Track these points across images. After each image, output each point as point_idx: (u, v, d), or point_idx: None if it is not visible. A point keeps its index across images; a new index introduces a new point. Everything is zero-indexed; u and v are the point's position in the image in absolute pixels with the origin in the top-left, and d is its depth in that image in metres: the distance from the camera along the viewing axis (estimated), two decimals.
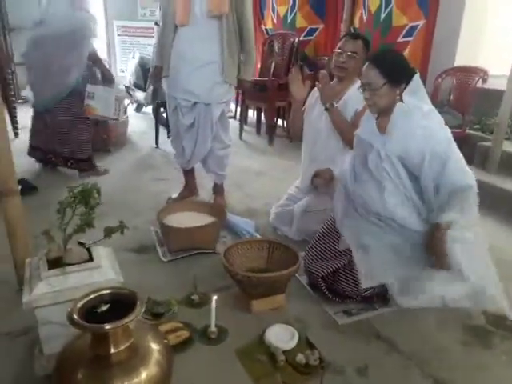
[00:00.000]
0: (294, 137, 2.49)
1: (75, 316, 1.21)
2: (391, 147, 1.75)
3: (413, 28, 3.71)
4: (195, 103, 2.64)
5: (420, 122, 1.70)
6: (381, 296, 1.91)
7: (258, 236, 2.50)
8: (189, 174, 3.07)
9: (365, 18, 4.13)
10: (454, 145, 1.70)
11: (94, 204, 1.49)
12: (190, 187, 3.11)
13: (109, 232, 1.49)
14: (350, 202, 1.92)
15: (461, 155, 1.70)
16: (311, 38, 4.94)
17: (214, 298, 1.67)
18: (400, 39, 3.80)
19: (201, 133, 2.72)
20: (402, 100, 1.76)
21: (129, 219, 1.68)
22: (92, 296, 1.29)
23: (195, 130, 2.72)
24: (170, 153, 3.40)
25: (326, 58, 4.62)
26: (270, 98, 4.53)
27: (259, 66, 5.35)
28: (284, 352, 1.60)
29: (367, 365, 1.59)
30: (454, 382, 1.53)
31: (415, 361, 1.62)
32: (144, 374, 1.21)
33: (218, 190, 3.04)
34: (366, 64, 1.79)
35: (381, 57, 1.82)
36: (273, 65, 4.83)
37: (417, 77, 1.75)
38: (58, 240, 1.53)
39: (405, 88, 1.75)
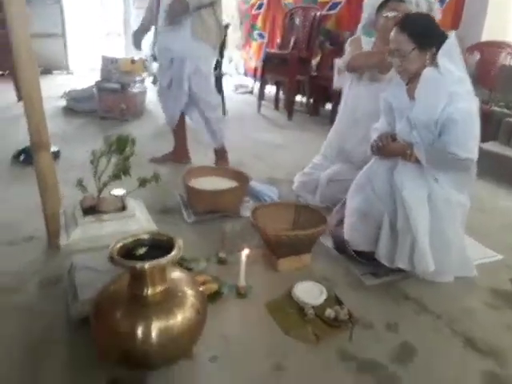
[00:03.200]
0: (350, 68, 2.44)
1: (115, 255, 1.22)
2: (419, 114, 1.73)
3: (442, 1, 3.63)
4: (172, 60, 2.79)
5: (448, 88, 1.67)
6: None
7: (276, 198, 2.51)
8: (177, 135, 3.13)
9: None
10: (476, 118, 1.68)
11: (129, 153, 1.49)
12: (178, 150, 3.16)
13: (143, 182, 1.50)
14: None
15: (477, 131, 1.70)
16: (334, 12, 4.85)
17: (245, 252, 1.68)
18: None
19: (175, 88, 2.86)
20: (432, 64, 1.73)
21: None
22: (131, 239, 1.31)
23: (172, 87, 2.87)
24: None
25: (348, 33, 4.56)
26: (290, 72, 4.48)
27: (279, 40, 5.29)
28: (313, 307, 1.61)
29: (397, 322, 1.60)
30: (484, 340, 1.53)
31: (445, 320, 1.63)
32: (179, 317, 1.23)
33: (218, 154, 3.10)
34: (394, 29, 1.76)
35: (409, 21, 1.78)
36: (293, 38, 4.77)
37: (452, 39, 1.71)
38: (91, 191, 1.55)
39: (436, 53, 1.72)
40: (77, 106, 4.36)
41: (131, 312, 1.23)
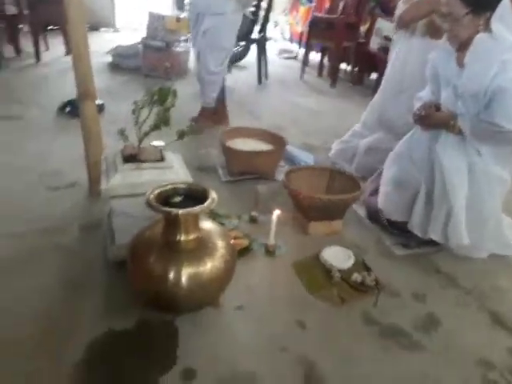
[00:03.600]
0: (402, 22, 2.36)
1: (152, 200, 1.27)
2: (467, 83, 1.65)
3: None
4: (198, 15, 2.78)
5: (501, 56, 1.58)
6: None
7: (311, 161, 2.50)
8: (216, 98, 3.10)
9: None
10: None
11: (170, 104, 1.51)
12: (217, 112, 3.13)
13: (181, 134, 1.52)
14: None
15: None
16: None
17: (276, 212, 1.70)
18: None
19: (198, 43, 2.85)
20: (486, 30, 1.63)
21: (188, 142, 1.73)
22: (168, 187, 1.35)
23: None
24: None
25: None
26: (337, 37, 4.34)
27: (328, 4, 5.11)
28: (340, 271, 1.62)
29: (425, 293, 1.59)
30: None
31: (474, 296, 1.60)
32: (209, 265, 1.27)
33: (201, 110, 3.08)
34: None
35: None
36: (342, 3, 4.59)
37: (505, 1, 1.60)
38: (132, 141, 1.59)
39: (490, 17, 1.61)
40: (122, 63, 4.42)
41: (164, 256, 1.28)
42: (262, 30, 4.30)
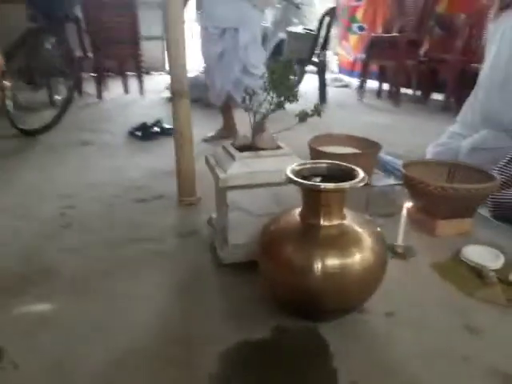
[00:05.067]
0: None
1: (293, 175, 1.09)
2: None
3: None
4: (224, 30, 2.64)
5: None
6: None
7: None
8: (226, 111, 2.95)
9: None
10: None
11: (294, 78, 1.36)
12: (228, 126, 2.97)
13: (304, 116, 1.36)
14: None
15: None
16: None
17: (407, 204, 1.48)
18: None
19: (227, 59, 2.67)
20: None
21: None
22: (308, 166, 1.17)
23: (225, 59, 2.69)
24: None
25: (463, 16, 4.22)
26: (398, 55, 4.21)
27: (381, 28, 5.05)
28: (492, 271, 1.37)
29: None
30: None
31: None
32: (358, 256, 1.06)
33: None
34: None
35: None
36: (400, 22, 4.51)
37: None
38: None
39: None
40: None
41: (304, 245, 1.08)
42: (323, 50, 4.23)
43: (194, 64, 6.37)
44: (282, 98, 1.32)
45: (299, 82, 4.48)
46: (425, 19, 4.32)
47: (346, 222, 1.12)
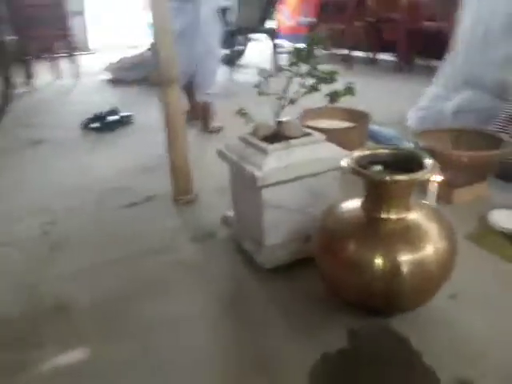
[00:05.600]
0: None
1: (355, 164, 0.99)
2: None
3: None
4: (186, 2, 2.40)
5: None
6: None
7: (408, 143, 2.23)
8: (190, 92, 2.69)
9: None
10: None
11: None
12: (194, 108, 2.74)
13: (334, 95, 1.23)
14: None
15: None
16: None
17: (437, 178, 1.43)
18: None
19: (189, 37, 2.45)
20: None
21: None
22: (367, 153, 1.06)
23: (187, 37, 2.45)
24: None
25: None
26: (348, 17, 4.15)
27: None
28: None
29: None
30: None
31: None
32: (428, 250, 0.98)
33: (205, 111, 2.63)
34: None
35: None
36: None
37: None
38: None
39: None
40: (127, 76, 4.07)
41: (371, 241, 1.00)
42: (271, 16, 4.06)
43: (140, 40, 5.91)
44: (315, 80, 1.18)
45: (243, 51, 4.30)
46: None
47: (412, 214, 1.04)
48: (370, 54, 4.57)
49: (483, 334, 1.04)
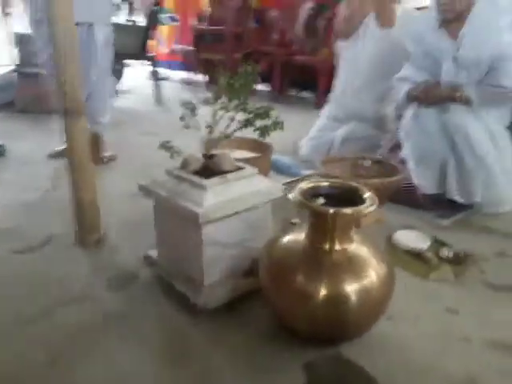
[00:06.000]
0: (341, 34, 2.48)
1: (301, 197, 1.02)
2: (468, 53, 1.77)
3: None
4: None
5: (497, 23, 1.75)
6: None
7: (308, 172, 2.37)
8: None
9: None
10: None
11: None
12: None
13: (265, 130, 1.25)
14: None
15: None
16: None
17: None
18: None
19: (83, 61, 2.35)
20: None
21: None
22: (310, 185, 1.10)
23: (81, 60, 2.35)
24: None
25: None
26: (227, 48, 4.29)
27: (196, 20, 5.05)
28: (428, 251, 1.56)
29: (503, 251, 1.62)
30: None
31: None
32: (370, 279, 1.04)
33: (95, 141, 2.33)
34: None
35: None
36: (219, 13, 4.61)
37: None
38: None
39: None
40: None
41: (316, 270, 1.04)
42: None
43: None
44: (252, 115, 1.19)
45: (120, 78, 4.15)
46: (244, 12, 4.50)
47: (354, 244, 1.10)
48: None
49: (425, 347, 1.14)
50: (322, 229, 1.06)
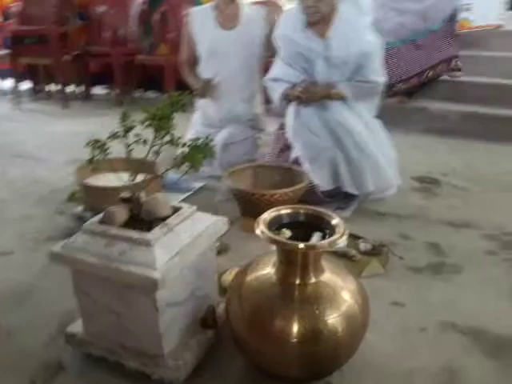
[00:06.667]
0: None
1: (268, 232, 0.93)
2: (338, 53, 1.88)
3: None
4: None
5: (361, 23, 1.90)
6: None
7: (199, 184, 2.22)
8: None
9: None
10: (380, 52, 1.96)
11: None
12: None
13: (193, 160, 1.09)
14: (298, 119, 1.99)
15: (380, 62, 1.97)
16: None
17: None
18: None
19: None
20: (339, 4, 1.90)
21: None
22: (272, 215, 1.01)
23: None
24: None
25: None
26: (53, 50, 3.72)
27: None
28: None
29: (405, 233, 1.77)
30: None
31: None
32: (352, 302, 1.01)
33: None
34: None
35: None
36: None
37: None
38: None
39: None
40: None
41: (289, 307, 0.98)
42: None
43: None
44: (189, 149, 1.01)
45: None
46: (65, 8, 3.96)
47: (326, 273, 1.03)
48: (83, 89, 4.28)
49: (392, 348, 1.16)
50: (291, 264, 0.98)
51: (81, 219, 1.84)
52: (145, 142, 1.05)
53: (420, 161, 2.58)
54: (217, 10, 2.32)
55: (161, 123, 1.01)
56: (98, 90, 4.43)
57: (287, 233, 1.03)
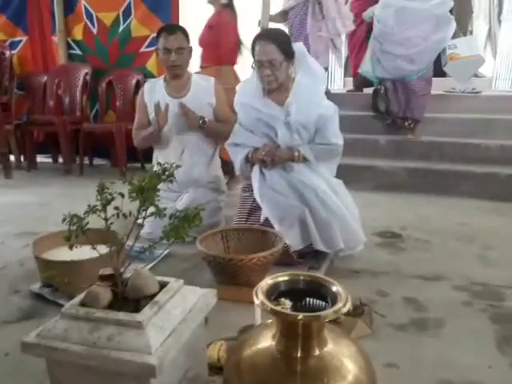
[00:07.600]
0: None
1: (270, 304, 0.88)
2: (298, 117, 1.96)
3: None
4: None
5: (317, 89, 2.02)
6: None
7: (165, 251, 2.10)
8: None
9: (94, 30, 3.95)
10: (337, 116, 2.05)
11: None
12: None
13: (181, 230, 1.03)
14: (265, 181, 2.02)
15: (338, 125, 2.06)
16: (14, 51, 4.18)
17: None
18: (143, 49, 3.89)
19: None
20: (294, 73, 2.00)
21: None
22: (270, 283, 0.95)
23: None
24: None
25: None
26: None
27: None
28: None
29: (381, 290, 1.76)
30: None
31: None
32: (359, 371, 0.94)
33: None
34: (261, 42, 1.92)
35: (273, 33, 2.00)
36: None
37: (298, 50, 2.02)
38: None
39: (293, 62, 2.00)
40: None
41: (292, 382, 0.90)
42: None
43: None
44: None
45: None
46: (4, 79, 3.86)
47: (330, 344, 0.97)
48: (26, 159, 4.10)
49: None
50: (293, 336, 0.91)
51: (39, 297, 1.67)
52: (124, 215, 0.99)
53: (376, 217, 2.65)
54: (165, 81, 2.42)
55: (147, 195, 0.96)
56: (44, 159, 4.27)
57: (287, 303, 0.97)
